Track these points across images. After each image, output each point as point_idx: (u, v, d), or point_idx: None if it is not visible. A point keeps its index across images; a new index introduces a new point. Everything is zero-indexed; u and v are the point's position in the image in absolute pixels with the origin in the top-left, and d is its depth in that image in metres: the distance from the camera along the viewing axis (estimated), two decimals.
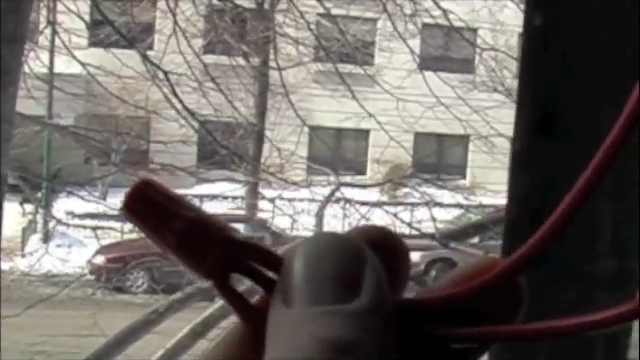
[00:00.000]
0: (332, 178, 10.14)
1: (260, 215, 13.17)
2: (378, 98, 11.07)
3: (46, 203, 13.59)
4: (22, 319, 6.98)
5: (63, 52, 9.41)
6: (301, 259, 0.41)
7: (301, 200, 10.70)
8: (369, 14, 14.14)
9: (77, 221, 11.79)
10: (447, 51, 15.79)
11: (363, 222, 8.67)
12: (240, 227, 11.59)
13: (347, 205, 9.49)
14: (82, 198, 9.12)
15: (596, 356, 2.09)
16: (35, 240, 15.19)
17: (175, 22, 8.59)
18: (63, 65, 11.20)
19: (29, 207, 14.36)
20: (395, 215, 8.76)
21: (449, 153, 21.60)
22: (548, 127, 2.04)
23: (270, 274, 0.42)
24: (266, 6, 11.57)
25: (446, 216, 11.04)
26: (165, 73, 7.76)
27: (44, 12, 8.72)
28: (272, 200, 10.00)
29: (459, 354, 0.43)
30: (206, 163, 12.50)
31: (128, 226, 11.01)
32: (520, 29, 2.26)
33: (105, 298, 12.19)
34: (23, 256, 14.08)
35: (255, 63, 13.16)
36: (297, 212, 10.11)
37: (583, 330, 0.40)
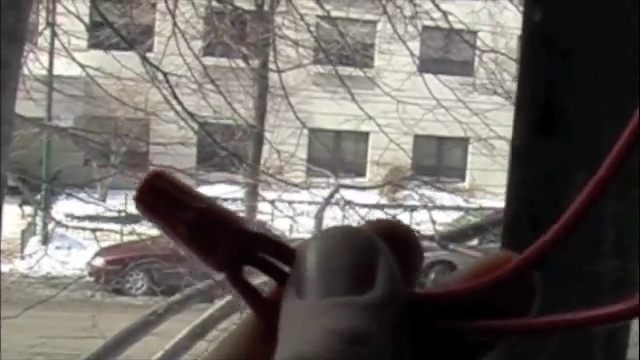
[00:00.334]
0: (332, 180, 10.14)
1: (259, 217, 13.18)
2: (378, 100, 11.07)
3: (45, 205, 13.59)
4: (21, 321, 6.98)
5: (62, 54, 9.41)
6: (314, 251, 0.41)
7: (300, 202, 10.69)
8: (369, 16, 14.14)
9: (76, 223, 11.78)
10: (447, 53, 15.79)
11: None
12: None
13: (346, 207, 9.48)
14: (81, 200, 9.12)
15: (596, 355, 2.08)
16: (34, 242, 15.18)
17: (174, 24, 8.59)
18: (62, 67, 11.20)
19: (28, 209, 14.35)
20: (394, 217, 8.76)
21: (449, 155, 21.61)
22: (547, 126, 2.04)
23: (283, 266, 0.42)
24: (266, 8, 11.57)
25: (446, 218, 11.04)
26: (165, 75, 7.77)
27: (43, 13, 8.72)
28: (272, 202, 9.98)
29: (472, 348, 0.43)
30: (205, 165, 12.48)
31: (128, 228, 11.01)
32: (520, 31, 2.26)
33: (104, 300, 12.19)
34: (22, 258, 14.06)
35: (255, 65, 13.15)
36: (297, 214, 10.10)
37: (594, 324, 0.40)
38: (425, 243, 7.64)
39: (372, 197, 12.23)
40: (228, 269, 0.42)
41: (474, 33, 12.03)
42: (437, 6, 9.08)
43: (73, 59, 8.52)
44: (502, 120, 9.60)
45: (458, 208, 11.43)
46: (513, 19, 10.75)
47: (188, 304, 7.64)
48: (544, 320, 0.41)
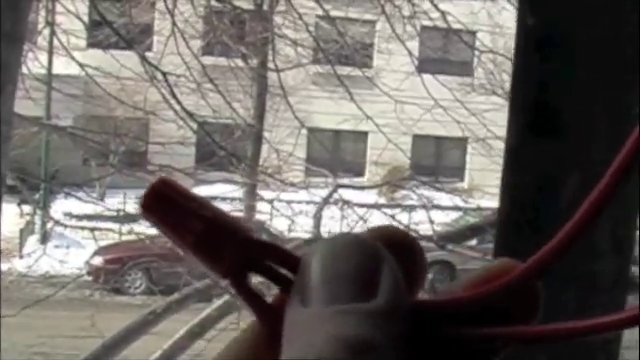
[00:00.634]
0: (330, 180, 10.14)
1: (258, 216, 13.17)
2: (376, 100, 11.07)
3: (44, 204, 13.58)
4: (20, 320, 6.97)
5: (61, 53, 9.40)
6: (319, 259, 0.41)
7: (299, 202, 10.69)
8: (368, 16, 14.14)
9: (75, 222, 11.78)
10: (446, 54, 15.80)
11: (361, 224, 8.68)
12: None
13: (345, 207, 9.49)
14: (80, 199, 9.12)
15: (597, 356, 2.09)
16: (33, 241, 15.18)
17: (174, 23, 8.59)
18: (62, 66, 11.21)
19: (27, 208, 14.33)
20: (392, 217, 8.77)
21: (447, 155, 21.63)
22: (541, 128, 2.05)
23: (288, 274, 0.43)
24: (265, 7, 11.56)
25: (444, 218, 11.04)
26: (164, 74, 7.76)
27: (43, 13, 8.72)
28: (270, 201, 9.98)
29: (476, 356, 0.43)
30: (204, 164, 12.49)
31: (126, 227, 11.01)
32: None
33: (103, 299, 12.20)
34: (21, 257, 14.07)
35: (254, 64, 13.15)
36: (295, 213, 10.09)
37: (598, 332, 0.40)
38: (423, 243, 7.64)
39: (371, 197, 12.23)
40: (233, 276, 0.43)
41: (473, 33, 12.04)
42: (435, 6, 9.08)
43: (72, 58, 8.52)
44: (500, 120, 9.60)
45: (457, 208, 11.43)
46: (512, 20, 10.74)
47: (186, 303, 7.64)
48: (548, 328, 0.41)
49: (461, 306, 0.42)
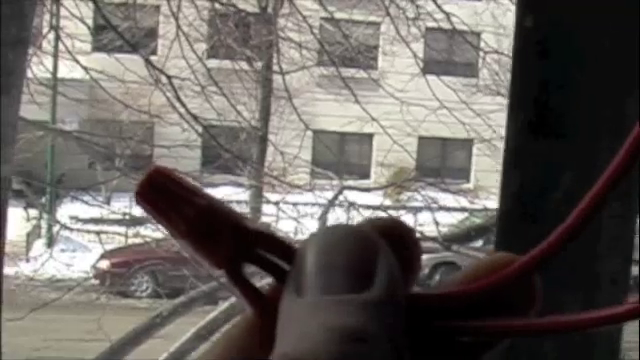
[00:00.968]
0: (335, 182, 10.14)
1: (264, 219, 13.19)
2: (382, 102, 11.08)
3: (50, 208, 13.60)
4: (27, 323, 6.99)
5: (66, 57, 9.42)
6: (314, 249, 0.41)
7: (305, 204, 10.70)
8: (372, 18, 14.15)
9: (81, 226, 11.80)
10: (450, 55, 15.79)
11: None
12: None
13: (351, 209, 9.50)
14: (86, 203, 9.14)
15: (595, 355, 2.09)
16: (39, 245, 15.21)
17: (178, 27, 8.60)
18: (66, 70, 11.21)
19: (33, 212, 14.37)
20: (395, 216, 8.76)
21: (453, 157, 21.60)
22: (540, 128, 2.05)
23: (283, 264, 0.42)
24: (269, 10, 11.57)
25: (450, 220, 11.04)
26: (168, 78, 7.78)
27: (47, 17, 8.74)
28: (276, 204, 9.99)
29: (470, 348, 0.43)
30: (210, 167, 12.49)
31: (132, 231, 11.02)
32: None
33: (109, 302, 12.18)
34: (27, 261, 14.07)
35: (258, 67, 13.16)
36: (301, 216, 10.10)
37: (594, 325, 0.40)
38: (429, 244, 7.64)
39: (377, 198, 12.23)
40: (227, 266, 0.42)
41: (477, 34, 12.02)
42: (440, 7, 9.08)
43: (77, 62, 8.53)
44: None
45: (462, 209, 11.42)
46: None
47: (193, 306, 7.65)
48: (544, 321, 0.41)
49: (457, 299, 0.42)
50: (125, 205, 11.65)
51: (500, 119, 10.51)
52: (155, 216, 0.42)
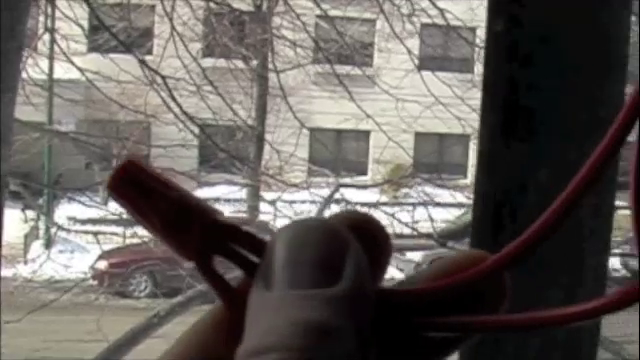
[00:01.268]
0: (332, 179, 10.15)
1: (261, 217, 13.18)
2: (377, 99, 11.09)
3: (48, 209, 13.60)
4: (25, 325, 6.99)
5: (61, 58, 9.42)
6: (283, 243, 0.41)
7: (302, 202, 10.70)
8: (367, 15, 14.14)
9: (79, 227, 11.79)
10: (446, 51, 15.78)
11: None
12: None
13: (347, 206, 9.49)
14: (83, 204, 9.14)
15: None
16: (37, 246, 15.18)
17: (172, 26, 8.60)
18: (62, 71, 11.21)
19: (31, 213, 14.34)
20: (392, 215, 8.76)
21: (449, 152, 21.58)
22: (512, 127, 2.06)
23: (253, 257, 0.42)
24: (264, 9, 11.57)
25: (447, 215, 11.04)
26: (163, 78, 7.78)
27: (42, 18, 8.74)
28: (273, 202, 9.99)
29: (439, 344, 0.43)
30: (206, 166, 12.51)
31: (130, 231, 11.02)
32: None
33: (108, 303, 12.18)
34: (25, 262, 14.06)
35: (254, 66, 13.16)
36: (298, 214, 10.09)
37: (568, 321, 0.40)
38: (424, 240, 7.66)
39: (374, 195, 12.24)
40: (198, 258, 0.42)
41: (472, 30, 12.02)
42: (434, 3, 9.09)
43: (72, 63, 8.53)
44: None
45: (459, 205, 11.41)
46: None
47: (190, 306, 7.65)
48: (515, 317, 0.41)
49: (425, 296, 0.42)
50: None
51: None
52: (127, 208, 0.42)
